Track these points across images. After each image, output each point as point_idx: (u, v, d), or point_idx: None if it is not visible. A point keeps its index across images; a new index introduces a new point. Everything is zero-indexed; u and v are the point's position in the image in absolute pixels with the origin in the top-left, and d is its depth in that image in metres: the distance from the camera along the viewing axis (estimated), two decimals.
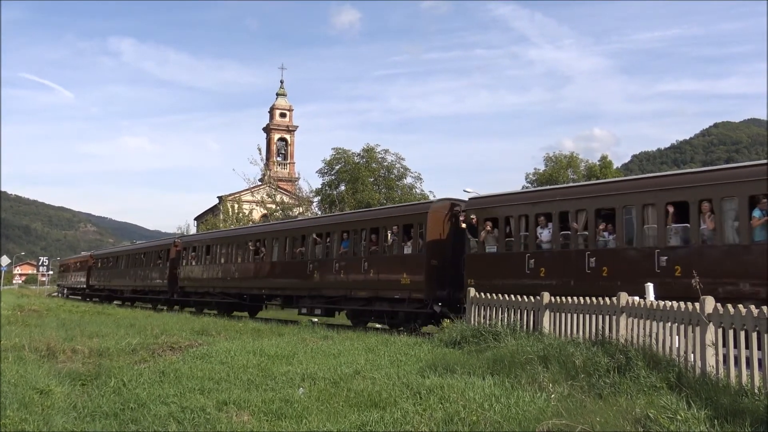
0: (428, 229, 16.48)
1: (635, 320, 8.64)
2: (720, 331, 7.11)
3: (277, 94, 76.06)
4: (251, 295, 24.32)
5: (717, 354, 7.01)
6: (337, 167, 43.48)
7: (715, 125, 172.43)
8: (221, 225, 44.78)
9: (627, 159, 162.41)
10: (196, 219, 69.57)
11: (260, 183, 54.05)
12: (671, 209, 12.00)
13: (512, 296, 11.48)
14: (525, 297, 11.19)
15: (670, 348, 7.77)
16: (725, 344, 7.01)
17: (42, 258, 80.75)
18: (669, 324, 7.86)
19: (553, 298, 10.58)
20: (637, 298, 9.18)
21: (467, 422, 6.17)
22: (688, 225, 11.84)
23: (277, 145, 73.75)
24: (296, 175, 63.69)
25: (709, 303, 7.28)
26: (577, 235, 13.59)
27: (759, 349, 6.53)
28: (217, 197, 61.64)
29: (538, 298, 10.82)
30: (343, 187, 42.49)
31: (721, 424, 5.45)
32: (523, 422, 6.07)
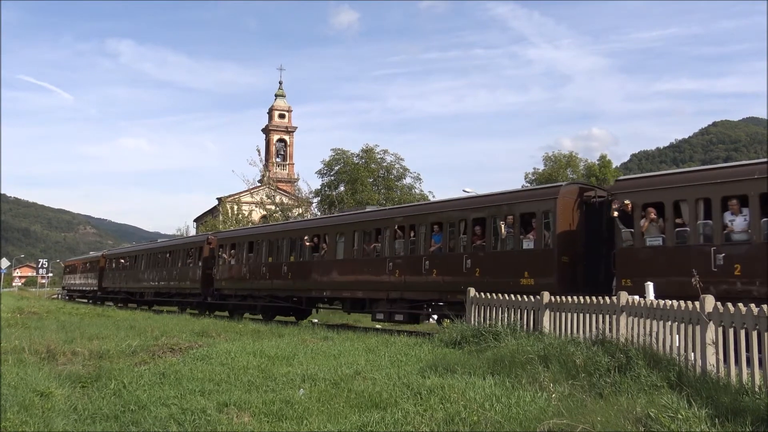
0: (558, 218, 13.69)
1: (635, 319, 8.64)
2: (720, 329, 7.11)
3: (276, 95, 76.15)
4: (309, 298, 21.54)
5: (717, 353, 7.01)
6: (336, 168, 43.55)
7: (714, 124, 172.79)
8: (221, 226, 44.77)
9: (626, 158, 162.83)
10: (195, 220, 69.64)
11: (259, 184, 54.10)
12: None
13: (512, 296, 11.48)
14: (525, 297, 11.19)
15: (671, 347, 7.77)
16: (726, 343, 7.01)
17: (41, 260, 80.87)
18: (669, 323, 7.86)
19: (553, 298, 10.56)
20: (637, 297, 9.19)
21: (468, 422, 6.16)
22: None
23: (276, 146, 73.83)
24: (295, 176, 63.84)
25: (709, 302, 7.28)
26: None
27: (759, 347, 6.53)
28: (217, 199, 61.69)
29: (538, 297, 10.82)
30: (342, 188, 42.54)
31: (722, 423, 5.45)
32: (524, 422, 6.07)
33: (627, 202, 12.71)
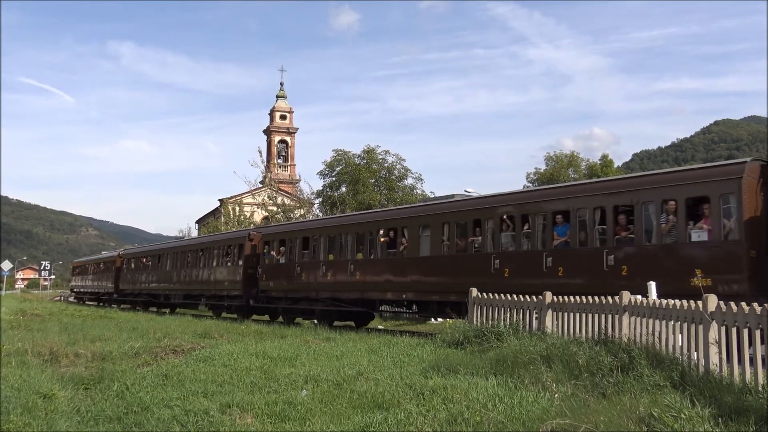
0: (744, 202, 11.00)
1: (638, 319, 8.63)
2: (723, 329, 7.10)
3: (277, 96, 76.17)
4: (383, 301, 19.26)
5: (720, 352, 7.00)
6: (338, 169, 43.52)
7: (716, 123, 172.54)
8: (222, 228, 44.78)
9: (627, 158, 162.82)
10: (197, 222, 69.69)
11: (261, 185, 54.14)
12: None
13: (514, 296, 11.47)
14: (526, 297, 11.19)
15: (674, 346, 7.76)
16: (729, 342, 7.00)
17: (44, 262, 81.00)
18: (672, 322, 7.86)
19: (555, 298, 10.57)
20: (639, 297, 9.18)
21: (471, 423, 6.16)
22: None
23: (278, 147, 73.86)
24: (297, 177, 63.87)
25: (712, 301, 7.28)
26: None
27: (762, 345, 6.52)
28: (218, 200, 61.71)
29: (540, 297, 10.81)
30: (344, 189, 42.52)
31: (725, 422, 5.44)
32: (526, 422, 6.06)
33: None
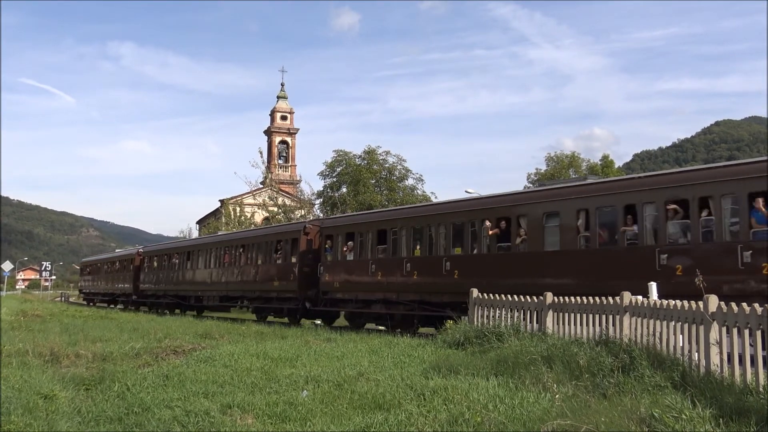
0: None
1: (639, 319, 8.63)
2: (724, 329, 7.10)
3: (278, 97, 76.30)
4: None
5: (721, 352, 6.99)
6: (339, 169, 43.57)
7: (717, 123, 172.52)
8: (223, 228, 44.82)
9: (628, 158, 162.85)
10: (198, 222, 69.76)
11: (262, 186, 54.19)
12: None
13: (515, 296, 11.47)
14: (528, 297, 11.19)
15: (674, 347, 7.76)
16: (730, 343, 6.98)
17: (45, 263, 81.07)
18: (673, 323, 7.85)
19: (556, 298, 10.58)
20: (640, 297, 9.18)
21: (471, 423, 6.16)
22: None
23: (279, 148, 74.00)
24: (298, 178, 64.02)
25: (713, 301, 7.27)
26: None
27: (763, 347, 6.52)
28: (219, 200, 61.78)
29: (541, 298, 10.82)
30: (344, 189, 42.56)
31: (726, 423, 5.44)
32: (527, 423, 6.06)
33: None
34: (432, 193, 43.24)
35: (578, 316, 9.93)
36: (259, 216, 49.84)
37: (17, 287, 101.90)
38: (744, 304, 6.86)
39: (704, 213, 11.68)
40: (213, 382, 9.00)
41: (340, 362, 10.18)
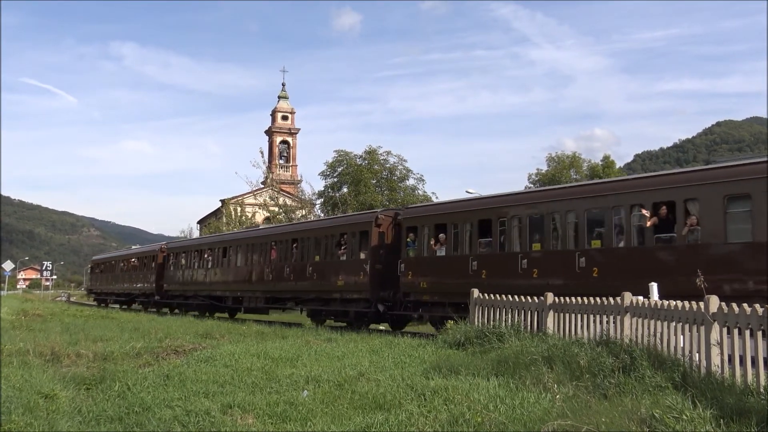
0: None
1: (639, 320, 8.63)
2: (725, 330, 7.09)
3: (279, 97, 76.39)
4: None
5: (722, 353, 6.99)
6: (339, 169, 43.54)
7: (718, 124, 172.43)
8: (224, 228, 44.79)
9: (629, 159, 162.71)
10: (199, 222, 69.80)
11: (263, 186, 54.20)
12: None
13: (515, 297, 11.47)
14: (528, 297, 11.18)
15: (675, 347, 7.76)
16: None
17: (46, 262, 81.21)
18: (673, 323, 7.85)
19: (556, 299, 10.57)
20: (641, 298, 9.18)
21: (472, 423, 6.16)
22: None
23: (279, 148, 74.09)
24: (298, 178, 64.03)
25: (714, 302, 7.27)
26: None
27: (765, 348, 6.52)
28: (220, 200, 61.81)
29: (542, 298, 10.81)
30: (345, 189, 42.54)
31: (726, 423, 5.43)
32: (528, 423, 6.06)
33: None
34: (433, 193, 43.23)
35: (579, 316, 9.92)
36: (260, 216, 49.89)
37: (18, 287, 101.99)
38: (745, 305, 6.86)
39: None
40: (213, 381, 9.01)
41: (340, 362, 10.18)
